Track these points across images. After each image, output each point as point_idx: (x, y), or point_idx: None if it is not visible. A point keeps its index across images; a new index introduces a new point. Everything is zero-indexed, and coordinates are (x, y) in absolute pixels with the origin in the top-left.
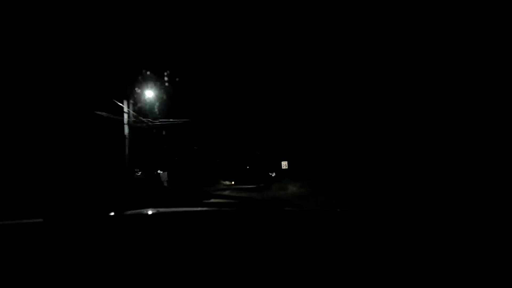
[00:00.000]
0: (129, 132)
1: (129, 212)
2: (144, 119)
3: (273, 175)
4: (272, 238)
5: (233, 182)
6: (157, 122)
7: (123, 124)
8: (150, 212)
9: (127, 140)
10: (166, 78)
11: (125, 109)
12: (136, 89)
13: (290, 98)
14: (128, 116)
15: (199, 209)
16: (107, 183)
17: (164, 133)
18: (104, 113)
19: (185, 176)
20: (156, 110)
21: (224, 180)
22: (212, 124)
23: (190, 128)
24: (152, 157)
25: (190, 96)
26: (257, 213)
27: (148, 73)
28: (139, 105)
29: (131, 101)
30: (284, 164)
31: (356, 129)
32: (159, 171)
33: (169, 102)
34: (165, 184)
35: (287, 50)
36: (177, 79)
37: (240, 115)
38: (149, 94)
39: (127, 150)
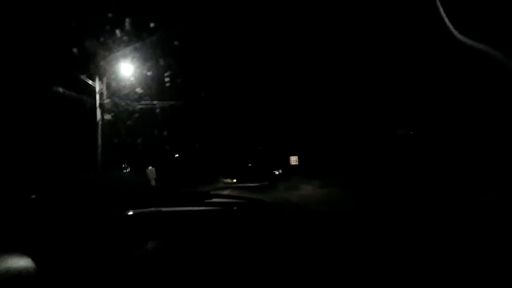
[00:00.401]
0: (103, 118)
1: (130, 212)
2: (123, 102)
3: (277, 173)
4: (273, 238)
5: (234, 180)
6: (140, 106)
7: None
8: (152, 212)
9: (99, 127)
10: (156, 52)
11: (97, 88)
12: (113, 63)
13: (298, 86)
14: (101, 97)
15: (200, 208)
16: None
17: (154, 120)
18: (61, 89)
19: (181, 173)
20: (140, 91)
21: (225, 178)
22: (211, 112)
23: (185, 116)
24: (143, 150)
25: (185, 77)
26: (257, 213)
27: (130, 43)
28: (120, 83)
29: (106, 79)
30: (294, 160)
31: (380, 116)
32: (150, 167)
33: (160, 85)
34: (153, 182)
35: (295, 35)
36: (168, 56)
37: (241, 106)
38: (130, 70)
39: (99, 140)
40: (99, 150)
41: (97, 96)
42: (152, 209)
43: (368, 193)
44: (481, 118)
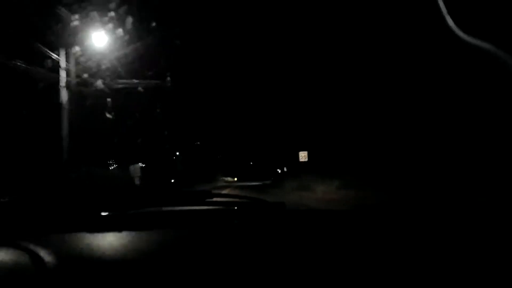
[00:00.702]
0: (70, 101)
1: (131, 211)
2: (97, 82)
3: (280, 171)
4: (275, 238)
5: (235, 179)
6: (118, 86)
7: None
8: (152, 211)
9: (65, 112)
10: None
11: (63, 64)
12: (85, 32)
13: (306, 73)
14: (68, 75)
15: (200, 208)
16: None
17: (145, 110)
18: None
19: (179, 171)
20: (118, 67)
21: (226, 177)
22: (210, 104)
23: (182, 105)
24: (135, 146)
25: (177, 52)
26: (258, 212)
27: (107, 8)
28: (93, 58)
29: (74, 52)
30: (303, 155)
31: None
32: (140, 164)
33: (147, 60)
34: (137, 181)
35: (304, 25)
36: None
37: (243, 99)
38: (105, 41)
39: (64, 129)
40: (64, 142)
41: (61, 73)
42: (153, 208)
43: (407, 196)
44: (485, 117)
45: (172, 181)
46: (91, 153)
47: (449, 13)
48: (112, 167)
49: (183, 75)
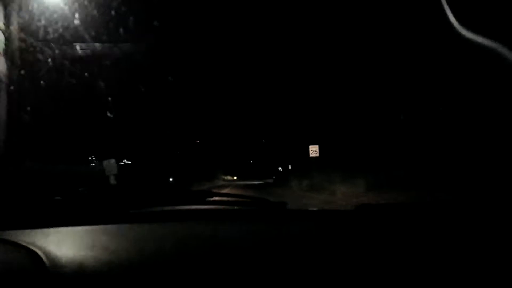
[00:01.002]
0: (18, 72)
1: (132, 211)
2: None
3: (282, 169)
4: (276, 238)
5: (235, 178)
6: (77, 52)
7: None
8: (154, 211)
9: (2, 88)
10: None
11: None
12: None
13: (314, 60)
14: (8, 38)
15: (201, 207)
16: None
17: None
18: None
19: (178, 170)
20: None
21: (226, 175)
22: (210, 98)
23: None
24: (121, 140)
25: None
26: (259, 212)
27: None
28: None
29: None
30: (313, 150)
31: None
32: (125, 161)
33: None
34: (112, 180)
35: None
36: None
37: (243, 93)
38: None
39: (2, 112)
40: (1, 128)
41: None
42: (154, 208)
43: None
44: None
45: (171, 179)
46: (66, 147)
47: (452, 10)
48: (93, 164)
49: (184, 72)
